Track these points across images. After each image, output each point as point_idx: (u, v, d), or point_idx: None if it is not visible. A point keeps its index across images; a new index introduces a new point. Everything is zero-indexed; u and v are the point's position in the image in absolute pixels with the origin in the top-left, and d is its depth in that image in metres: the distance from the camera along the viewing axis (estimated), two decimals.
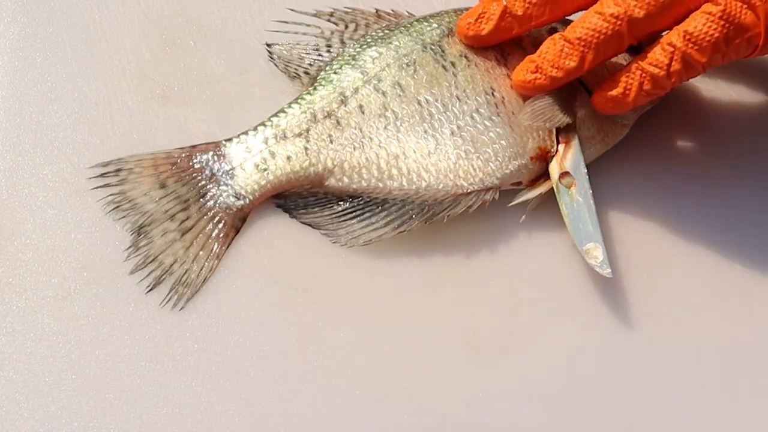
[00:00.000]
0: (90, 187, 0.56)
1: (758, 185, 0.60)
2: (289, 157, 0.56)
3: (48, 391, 0.51)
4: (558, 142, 0.57)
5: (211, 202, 0.55)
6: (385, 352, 0.53)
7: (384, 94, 0.57)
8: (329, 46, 0.60)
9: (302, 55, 0.60)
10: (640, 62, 0.54)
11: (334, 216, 0.56)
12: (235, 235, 0.55)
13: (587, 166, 0.57)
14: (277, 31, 0.61)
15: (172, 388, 0.52)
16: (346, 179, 0.56)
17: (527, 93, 0.57)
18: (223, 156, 0.56)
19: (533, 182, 0.57)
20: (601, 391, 0.53)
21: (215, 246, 0.55)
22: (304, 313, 0.54)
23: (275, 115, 0.57)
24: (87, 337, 0.53)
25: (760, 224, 0.58)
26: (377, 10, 0.61)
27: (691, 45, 0.53)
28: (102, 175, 0.56)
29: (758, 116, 0.62)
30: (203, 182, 0.56)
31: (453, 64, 0.58)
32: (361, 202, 0.56)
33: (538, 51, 0.56)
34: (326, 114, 0.57)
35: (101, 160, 0.57)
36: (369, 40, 0.59)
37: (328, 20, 0.61)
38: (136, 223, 0.55)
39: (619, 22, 0.53)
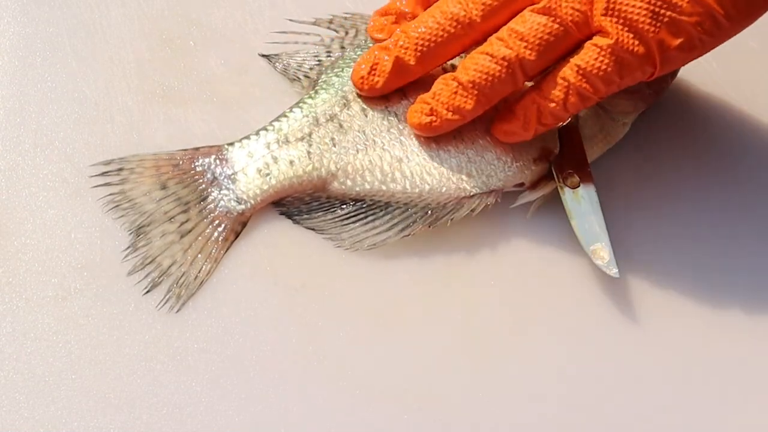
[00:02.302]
0: (90, 186, 0.56)
1: (760, 184, 0.60)
2: (292, 162, 0.56)
3: (48, 391, 0.51)
4: (560, 142, 0.57)
5: (212, 206, 0.55)
6: (386, 353, 0.53)
7: (386, 97, 0.57)
8: (329, 52, 0.60)
9: (301, 62, 0.60)
10: (535, 95, 0.54)
11: (337, 220, 0.56)
12: (235, 239, 0.55)
13: (590, 164, 0.57)
14: (276, 42, 0.61)
15: (172, 388, 0.52)
16: (349, 182, 0.56)
17: (424, 134, 0.56)
18: (225, 160, 0.56)
19: (536, 183, 0.57)
20: (604, 392, 0.53)
21: (213, 249, 0.55)
22: (304, 313, 0.54)
23: (277, 119, 0.57)
24: (87, 337, 0.53)
25: (762, 223, 0.58)
26: None
27: (583, 80, 0.52)
28: (103, 173, 0.56)
29: (759, 115, 0.62)
30: (204, 185, 0.56)
31: (453, 65, 0.58)
32: (364, 206, 0.56)
33: (431, 91, 0.55)
34: (329, 117, 0.57)
35: (101, 160, 0.57)
36: (370, 43, 0.59)
37: (328, 27, 0.61)
38: (135, 222, 0.55)
39: (510, 66, 0.52)
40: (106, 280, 0.54)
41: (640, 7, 0.51)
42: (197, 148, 0.57)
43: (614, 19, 0.51)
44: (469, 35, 0.54)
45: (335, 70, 0.58)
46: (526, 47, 0.52)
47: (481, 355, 0.54)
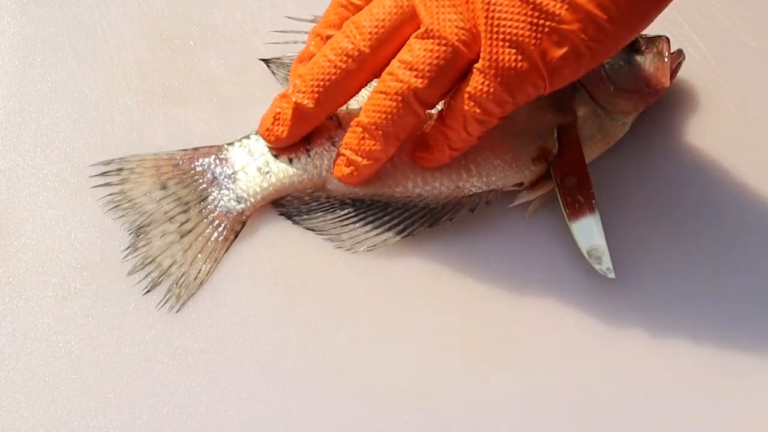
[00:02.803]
0: (90, 186, 0.56)
1: (759, 184, 0.60)
2: (291, 160, 0.56)
3: (48, 391, 0.51)
4: (559, 142, 0.57)
5: (212, 206, 0.55)
6: (385, 352, 0.53)
7: None
8: None
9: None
10: (439, 125, 0.53)
11: (336, 220, 0.56)
12: (234, 238, 0.55)
13: (588, 165, 0.57)
14: (276, 43, 0.61)
15: (172, 388, 0.52)
16: None
17: (353, 185, 0.55)
18: (225, 160, 0.56)
19: (535, 183, 0.57)
20: (602, 392, 0.53)
21: (213, 249, 0.55)
22: (304, 313, 0.54)
23: None
24: (87, 337, 0.53)
25: (760, 222, 0.58)
26: None
27: (476, 106, 0.51)
28: (103, 173, 0.57)
29: (760, 114, 0.62)
30: (204, 185, 0.56)
31: None
32: (364, 206, 0.56)
33: (342, 141, 0.54)
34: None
35: (101, 160, 0.57)
36: None
37: None
38: (135, 222, 0.55)
39: (405, 99, 0.51)
40: (106, 280, 0.54)
41: (518, 20, 0.49)
42: (197, 148, 0.57)
43: (494, 36, 0.49)
44: (363, 69, 0.53)
45: None
46: (416, 76, 0.51)
47: (481, 355, 0.54)
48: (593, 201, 0.56)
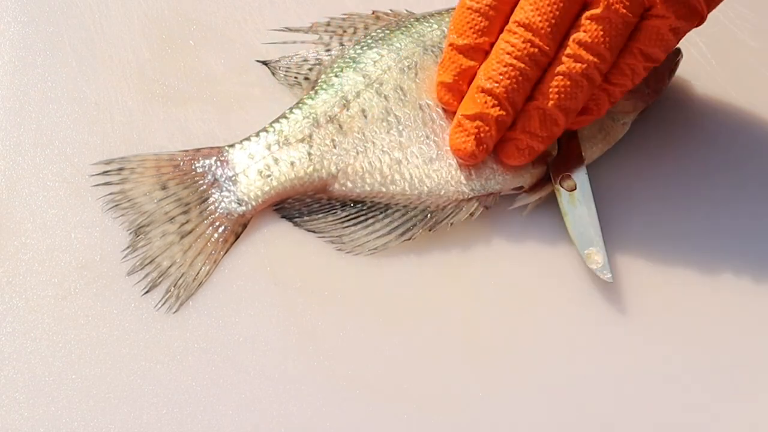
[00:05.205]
0: (90, 186, 0.56)
1: (758, 185, 0.60)
2: (293, 163, 0.56)
3: (48, 391, 0.51)
4: (558, 144, 0.57)
5: (213, 207, 0.55)
6: (385, 352, 0.53)
7: (386, 98, 0.57)
8: (329, 50, 0.60)
9: (301, 63, 0.60)
10: (604, 87, 0.55)
11: (337, 222, 0.56)
12: (235, 240, 0.55)
13: (588, 165, 0.57)
14: (276, 43, 0.61)
15: (172, 388, 0.52)
16: (349, 184, 0.56)
17: (523, 164, 0.56)
18: (226, 162, 0.56)
19: (534, 186, 0.57)
20: (601, 391, 0.53)
21: (213, 251, 0.55)
22: (304, 313, 0.54)
23: (277, 120, 0.57)
24: (87, 337, 0.53)
25: (759, 224, 0.58)
26: (374, 12, 0.61)
27: (644, 59, 0.53)
28: (104, 172, 0.56)
29: (759, 114, 0.62)
30: (205, 187, 0.56)
31: None
32: (364, 208, 0.56)
33: (516, 127, 0.54)
34: (329, 118, 0.57)
35: (101, 160, 0.57)
36: (370, 41, 0.59)
37: (325, 31, 0.61)
38: (134, 222, 0.55)
39: (589, 78, 0.53)
40: (106, 280, 0.54)
41: None
42: (198, 149, 0.57)
43: None
44: (545, 64, 0.54)
45: (335, 69, 0.58)
46: (597, 56, 0.52)
47: (480, 354, 0.54)
48: (592, 204, 0.56)
